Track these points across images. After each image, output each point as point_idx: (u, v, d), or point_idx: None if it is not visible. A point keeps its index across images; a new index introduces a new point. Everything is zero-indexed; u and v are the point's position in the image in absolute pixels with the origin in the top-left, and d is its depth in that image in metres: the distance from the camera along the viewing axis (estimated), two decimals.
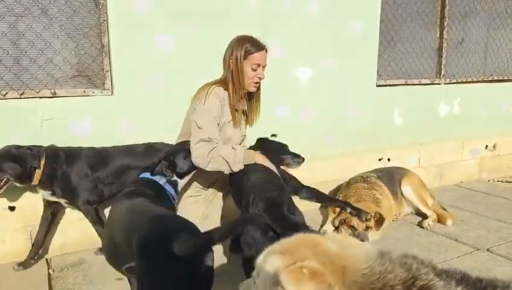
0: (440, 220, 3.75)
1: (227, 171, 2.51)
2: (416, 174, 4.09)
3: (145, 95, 3.31)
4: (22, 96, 2.97)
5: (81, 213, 3.17)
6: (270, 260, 1.09)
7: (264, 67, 2.71)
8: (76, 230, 3.20)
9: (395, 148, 4.63)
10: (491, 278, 1.13)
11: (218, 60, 3.40)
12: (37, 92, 3.00)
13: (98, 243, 3.25)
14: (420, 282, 1.03)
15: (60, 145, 3.01)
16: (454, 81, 4.97)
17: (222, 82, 2.68)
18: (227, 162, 2.43)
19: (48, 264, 3.02)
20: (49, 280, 2.79)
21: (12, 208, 3.01)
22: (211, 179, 2.83)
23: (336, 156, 4.22)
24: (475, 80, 5.12)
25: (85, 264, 2.99)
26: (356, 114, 4.33)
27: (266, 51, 2.69)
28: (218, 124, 2.60)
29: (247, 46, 2.62)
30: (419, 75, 4.75)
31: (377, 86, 4.43)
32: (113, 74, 3.21)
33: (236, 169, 2.45)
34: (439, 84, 4.87)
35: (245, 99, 2.78)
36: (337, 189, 4.07)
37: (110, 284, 2.70)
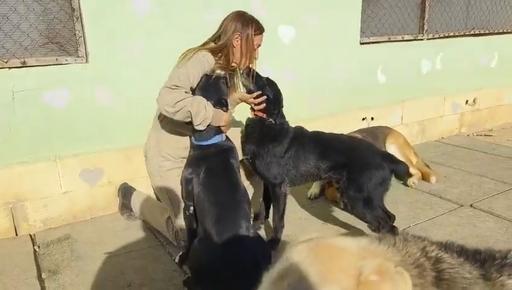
0: (424, 177, 3.80)
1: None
2: (400, 133, 4.09)
3: (123, 61, 3.13)
4: None
5: (63, 187, 3.09)
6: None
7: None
8: (58, 204, 3.10)
9: (378, 107, 4.61)
10: (488, 249, 1.13)
11: (199, 22, 3.27)
12: (5, 62, 2.79)
13: (81, 216, 3.20)
14: (432, 253, 1.01)
15: (36, 118, 2.89)
16: (437, 36, 4.91)
17: (214, 51, 2.58)
18: (194, 121, 2.31)
19: (32, 240, 2.94)
20: (36, 257, 2.72)
21: None
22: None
23: (320, 117, 4.17)
24: (457, 34, 5.08)
25: (71, 239, 2.92)
26: (340, 73, 4.25)
27: None
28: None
29: (255, 26, 2.64)
30: (402, 31, 4.66)
31: (361, 43, 4.33)
32: (86, 40, 3.01)
33: (198, 128, 2.33)
34: (421, 39, 4.81)
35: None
36: None
37: (99, 258, 2.66)
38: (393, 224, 2.81)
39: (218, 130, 2.40)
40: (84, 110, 3.08)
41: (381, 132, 3.98)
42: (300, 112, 4.07)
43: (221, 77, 2.47)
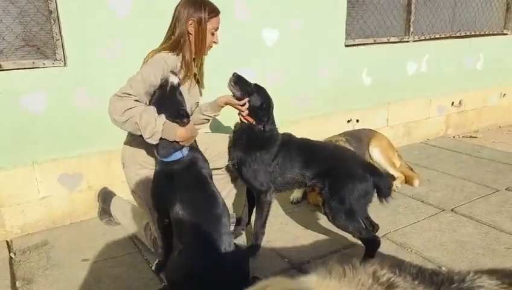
0: (407, 181, 3.80)
1: None
2: (384, 136, 4.08)
3: (103, 64, 3.09)
4: None
5: (41, 192, 3.05)
6: None
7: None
8: (36, 210, 3.06)
9: (363, 109, 4.60)
10: (447, 271, 1.11)
11: None
12: None
13: (60, 221, 3.16)
14: (383, 278, 1.00)
15: (13, 122, 2.84)
16: (423, 38, 4.91)
17: (173, 46, 2.48)
18: (143, 134, 2.18)
19: (8, 247, 2.90)
20: (11, 264, 2.68)
21: None
22: None
23: (305, 120, 4.16)
24: (443, 36, 5.08)
25: (48, 246, 2.88)
26: (325, 76, 4.23)
27: None
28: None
29: (208, 8, 2.49)
30: (387, 33, 4.65)
31: (346, 46, 4.32)
32: (64, 43, 2.97)
33: (150, 141, 2.20)
34: (407, 41, 4.80)
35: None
36: None
37: (76, 266, 2.62)
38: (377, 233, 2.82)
39: (178, 146, 2.25)
40: (62, 114, 3.03)
41: (365, 135, 3.97)
42: (284, 115, 4.04)
43: (176, 87, 2.33)
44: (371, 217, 2.89)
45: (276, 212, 3.31)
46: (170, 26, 2.56)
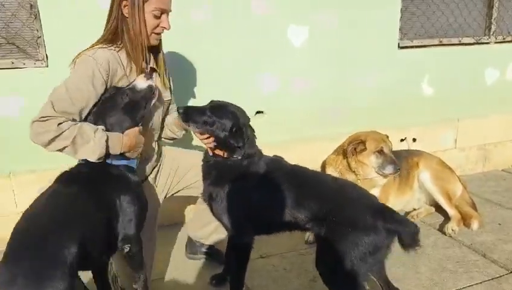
0: (464, 221, 2.90)
1: None
2: (435, 156, 3.20)
3: None
4: None
5: (19, 206, 2.75)
6: None
7: (168, 14, 2.02)
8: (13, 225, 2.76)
9: (422, 126, 3.73)
10: None
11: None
12: None
13: None
14: None
15: None
16: (509, 39, 3.89)
17: (110, 38, 1.97)
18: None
19: None
20: None
21: None
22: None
23: (343, 136, 3.41)
24: None
25: None
26: (369, 84, 3.47)
27: None
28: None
29: None
30: (459, 33, 3.73)
31: (400, 47, 3.51)
32: (46, 41, 2.64)
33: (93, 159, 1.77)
34: (487, 43, 3.83)
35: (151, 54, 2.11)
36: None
37: None
38: None
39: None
40: None
41: (410, 156, 3.11)
42: (316, 130, 3.38)
43: (122, 90, 1.84)
44: (388, 273, 2.10)
45: (283, 253, 2.66)
46: (109, 10, 2.01)
